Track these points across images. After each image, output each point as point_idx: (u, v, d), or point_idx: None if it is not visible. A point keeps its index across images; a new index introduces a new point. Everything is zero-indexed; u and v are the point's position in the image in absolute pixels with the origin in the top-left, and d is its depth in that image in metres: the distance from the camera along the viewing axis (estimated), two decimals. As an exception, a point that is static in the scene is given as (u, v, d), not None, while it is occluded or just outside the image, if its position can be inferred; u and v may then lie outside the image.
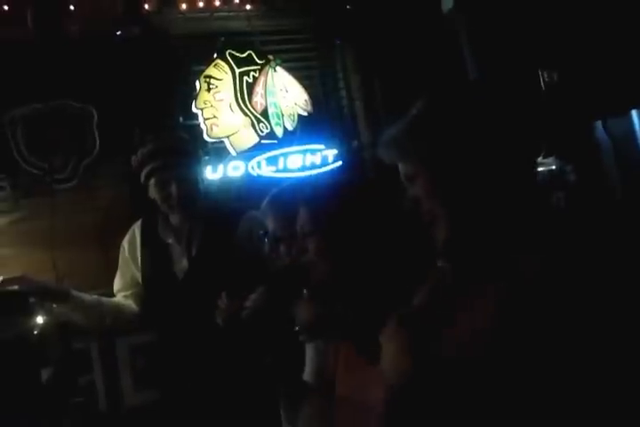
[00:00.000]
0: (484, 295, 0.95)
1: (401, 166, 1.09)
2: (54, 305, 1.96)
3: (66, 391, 1.89)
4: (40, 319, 1.89)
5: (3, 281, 1.88)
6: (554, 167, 3.12)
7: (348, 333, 1.23)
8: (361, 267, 1.22)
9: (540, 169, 3.17)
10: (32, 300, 1.90)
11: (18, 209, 2.60)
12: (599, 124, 2.99)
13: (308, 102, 3.14)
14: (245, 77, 3.00)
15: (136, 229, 2.19)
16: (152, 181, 2.06)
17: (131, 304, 2.07)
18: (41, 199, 2.60)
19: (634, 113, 2.95)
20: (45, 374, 1.80)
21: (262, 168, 2.91)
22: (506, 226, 1.00)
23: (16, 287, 1.87)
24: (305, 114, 3.12)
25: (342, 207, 1.28)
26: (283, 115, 3.05)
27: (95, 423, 1.73)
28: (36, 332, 1.85)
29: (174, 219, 2.12)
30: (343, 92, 3.37)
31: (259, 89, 3.02)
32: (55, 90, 2.74)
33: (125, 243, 2.18)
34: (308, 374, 1.40)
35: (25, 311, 1.87)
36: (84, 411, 1.86)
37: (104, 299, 2.07)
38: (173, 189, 2.02)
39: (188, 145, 2.23)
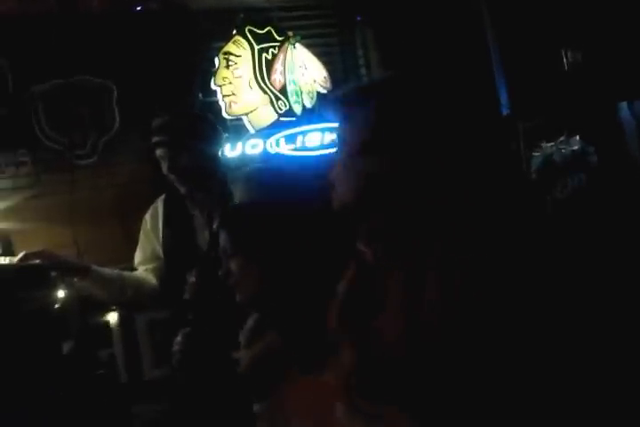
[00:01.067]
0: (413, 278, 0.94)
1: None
2: (75, 279, 1.99)
3: (86, 364, 1.92)
4: (61, 293, 1.92)
5: (25, 256, 1.91)
6: (576, 148, 3.09)
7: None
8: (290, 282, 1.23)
9: (562, 150, 3.15)
10: (53, 274, 1.92)
11: (39, 184, 2.63)
12: (624, 104, 2.94)
13: (328, 80, 3.12)
14: (264, 54, 2.98)
15: (159, 202, 2.21)
16: (157, 154, 2.12)
17: (151, 278, 2.09)
18: (61, 175, 2.63)
19: (660, 94, 2.89)
20: (66, 347, 1.84)
21: (281, 146, 2.90)
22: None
23: (37, 262, 1.90)
24: (324, 91, 3.10)
25: (262, 228, 1.29)
26: (302, 92, 3.02)
27: (115, 395, 1.77)
28: (57, 306, 1.88)
29: (183, 191, 2.13)
30: (363, 70, 3.34)
31: (278, 66, 3.00)
32: (75, 65, 2.74)
33: (148, 216, 2.20)
34: None
35: (46, 285, 1.89)
36: (105, 383, 1.90)
37: (124, 273, 2.10)
38: (165, 165, 2.07)
39: (192, 122, 2.23)
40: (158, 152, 2.11)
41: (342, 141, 1.02)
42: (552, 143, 3.10)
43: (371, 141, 0.95)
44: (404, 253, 0.95)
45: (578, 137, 3.08)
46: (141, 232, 2.17)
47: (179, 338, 1.79)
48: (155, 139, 2.11)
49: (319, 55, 3.12)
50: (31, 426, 1.49)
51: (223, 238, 1.34)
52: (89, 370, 1.91)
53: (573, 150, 3.05)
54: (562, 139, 3.07)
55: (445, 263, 0.88)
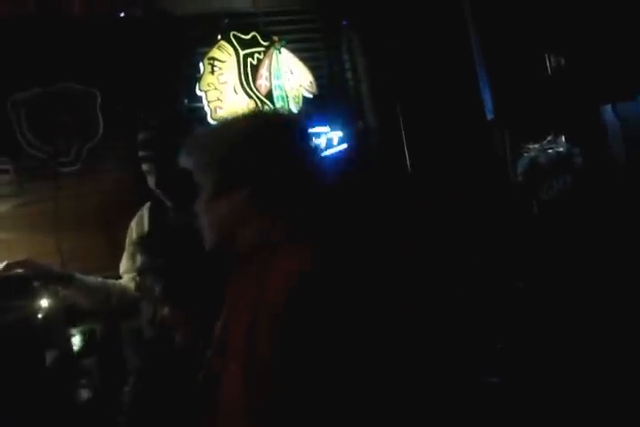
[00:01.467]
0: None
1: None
2: (59, 288, 1.97)
3: (70, 373, 1.91)
4: (45, 303, 1.90)
5: (7, 265, 1.89)
6: (562, 150, 3.10)
7: None
8: None
9: (548, 151, 3.17)
10: (36, 283, 1.90)
11: (22, 193, 2.60)
12: (608, 107, 2.96)
13: (314, 84, 3.12)
14: (250, 59, 2.97)
15: (145, 210, 2.20)
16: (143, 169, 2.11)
17: (131, 287, 2.07)
18: (45, 183, 2.60)
19: (643, 96, 2.91)
20: (50, 357, 1.82)
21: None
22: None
23: (20, 271, 1.88)
24: (310, 96, 3.09)
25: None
26: (288, 97, 3.02)
27: (99, 404, 1.76)
28: (40, 315, 1.86)
29: (169, 204, 2.12)
30: (349, 74, 3.34)
31: (263, 71, 2.99)
32: (58, 72, 2.72)
33: (133, 224, 2.19)
34: None
35: (29, 295, 1.87)
36: (89, 392, 1.89)
37: (109, 281, 2.08)
38: (151, 180, 2.05)
39: (176, 135, 2.22)
40: (144, 167, 2.08)
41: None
42: (538, 145, 3.12)
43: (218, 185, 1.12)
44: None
45: (563, 139, 3.10)
46: (127, 240, 2.15)
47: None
48: (141, 153, 2.09)
49: (305, 60, 3.11)
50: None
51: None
52: (73, 380, 1.89)
53: (559, 152, 3.06)
54: (547, 141, 3.08)
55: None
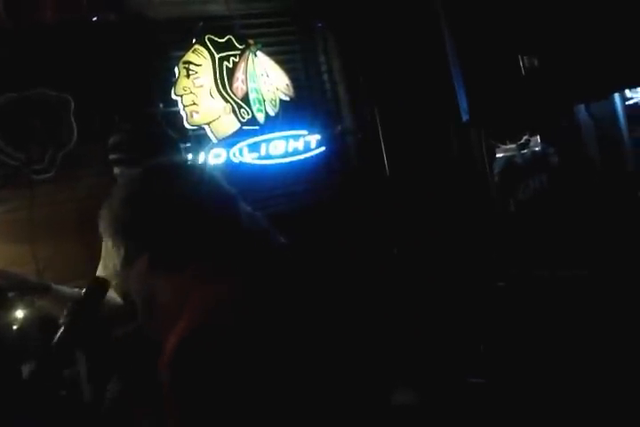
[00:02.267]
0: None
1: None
2: (35, 299, 1.94)
3: (50, 385, 1.87)
4: (20, 314, 1.87)
5: (-19, 276, 1.86)
6: (537, 149, 3.13)
7: None
8: None
9: (523, 151, 3.19)
10: (11, 294, 1.87)
11: (-4, 200, 2.56)
12: (582, 107, 2.99)
13: (290, 87, 3.11)
14: (225, 63, 2.96)
15: None
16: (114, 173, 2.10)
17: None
18: (19, 191, 2.56)
19: (616, 96, 2.95)
20: (27, 369, 1.79)
21: (244, 155, 2.89)
22: None
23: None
24: (287, 99, 3.09)
25: None
26: (264, 100, 3.01)
27: (80, 416, 1.73)
28: (15, 327, 1.83)
29: None
30: (325, 76, 3.34)
31: (239, 74, 2.98)
32: (30, 78, 2.67)
33: None
34: None
35: (3, 306, 1.84)
36: (69, 404, 1.85)
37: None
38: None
39: (150, 139, 2.21)
40: (115, 170, 2.08)
41: None
42: (513, 145, 3.14)
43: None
44: None
45: (538, 139, 3.13)
46: (103, 249, 2.13)
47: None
48: (111, 156, 2.10)
49: (281, 62, 3.11)
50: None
51: None
52: (52, 391, 1.86)
53: (534, 152, 3.09)
54: (523, 141, 3.11)
55: None
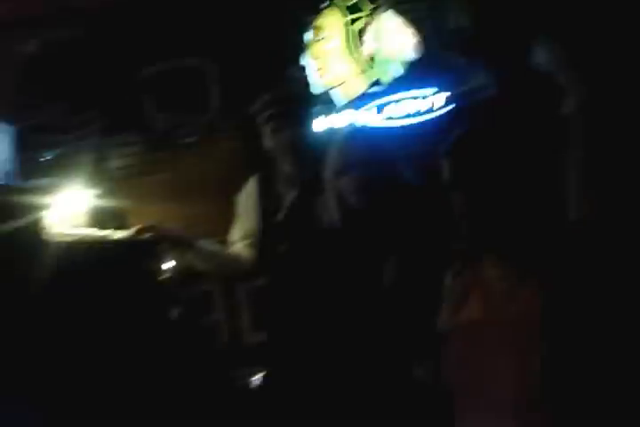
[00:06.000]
0: None
1: None
2: (181, 252, 2.17)
3: (193, 329, 2.13)
4: (169, 265, 2.11)
5: (137, 230, 2.11)
6: None
7: None
8: None
9: None
10: (162, 247, 2.11)
11: (147, 163, 2.86)
12: None
13: (418, 46, 3.09)
14: (354, 25, 3.00)
15: (253, 180, 2.33)
16: (267, 129, 2.19)
17: (249, 253, 2.24)
18: (167, 153, 2.84)
19: None
20: (174, 314, 2.04)
21: (371, 116, 2.94)
22: None
23: (149, 236, 2.09)
24: (415, 58, 3.07)
25: None
26: (392, 60, 3.03)
27: (218, 358, 1.95)
28: (165, 276, 2.08)
29: (287, 169, 2.23)
30: (455, 33, 3.26)
31: (368, 35, 3.01)
32: (177, 48, 2.91)
33: (243, 194, 2.34)
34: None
35: (156, 258, 2.09)
36: (207, 347, 2.10)
37: (224, 247, 2.26)
38: (285, 136, 2.14)
39: (302, 96, 2.32)
40: (272, 125, 2.16)
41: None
42: None
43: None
44: None
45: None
46: (238, 209, 2.31)
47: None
48: (269, 111, 2.18)
49: (409, 22, 3.08)
50: (141, 381, 1.70)
51: None
52: (194, 335, 2.12)
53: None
54: None
55: None
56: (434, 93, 3.05)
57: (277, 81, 2.89)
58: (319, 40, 2.94)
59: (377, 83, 2.96)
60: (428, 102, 3.03)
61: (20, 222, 1.75)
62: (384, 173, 1.83)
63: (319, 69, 2.91)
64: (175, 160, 2.83)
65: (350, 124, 2.91)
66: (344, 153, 1.89)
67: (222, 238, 2.34)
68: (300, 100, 2.26)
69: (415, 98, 3.01)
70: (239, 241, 2.27)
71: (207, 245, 2.22)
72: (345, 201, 1.83)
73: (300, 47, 2.92)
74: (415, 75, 3.04)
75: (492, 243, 1.20)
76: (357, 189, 1.81)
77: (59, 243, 1.79)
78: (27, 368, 1.68)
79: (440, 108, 3.05)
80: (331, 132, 2.87)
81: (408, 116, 2.98)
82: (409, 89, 3.00)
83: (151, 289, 2.01)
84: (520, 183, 1.22)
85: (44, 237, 1.79)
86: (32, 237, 1.73)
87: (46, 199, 1.88)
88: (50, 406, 1.66)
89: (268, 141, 2.20)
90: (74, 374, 1.69)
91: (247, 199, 2.29)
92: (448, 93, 3.07)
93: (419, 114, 3.00)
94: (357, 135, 2.87)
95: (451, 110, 3.07)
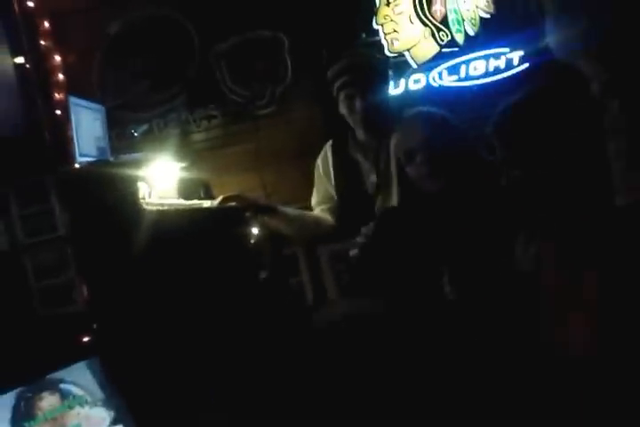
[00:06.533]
0: None
1: None
2: (265, 218, 2.28)
3: (279, 291, 2.24)
4: (255, 230, 2.23)
5: (223, 199, 2.23)
6: None
7: None
8: None
9: None
10: (247, 214, 2.23)
11: (228, 135, 2.98)
12: None
13: (491, 3, 3.04)
14: (424, -14, 2.98)
15: (327, 148, 2.40)
16: (341, 96, 2.24)
17: (328, 217, 2.33)
18: (246, 125, 2.95)
19: None
20: (262, 276, 2.16)
21: (444, 78, 2.94)
22: None
23: (233, 204, 2.21)
24: (487, 16, 3.03)
25: None
26: (463, 20, 3.00)
27: (301, 318, 2.05)
28: (252, 241, 2.19)
29: (360, 135, 2.28)
30: (529, -12, 3.18)
31: (438, -4, 2.99)
32: (249, 21, 2.98)
33: (319, 161, 2.41)
34: None
35: (242, 224, 2.21)
36: (295, 307, 2.21)
37: (305, 212, 2.36)
38: (358, 103, 2.17)
39: (377, 62, 2.35)
40: (348, 91, 2.19)
41: None
42: None
43: None
44: None
45: None
46: (315, 176, 2.39)
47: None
48: (342, 79, 2.20)
49: (480, -20, 3.03)
50: (236, 341, 1.83)
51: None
52: (282, 296, 2.23)
53: None
54: None
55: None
56: (508, 52, 3.01)
57: (350, 47, 2.93)
58: (389, 4, 2.94)
59: (450, 43, 2.95)
60: (502, 61, 3.00)
61: (119, 194, 1.88)
62: (456, 149, 1.82)
63: (390, 33, 2.92)
64: (254, 131, 2.93)
65: (426, 86, 2.92)
66: (414, 130, 1.89)
67: (302, 204, 2.44)
68: (373, 66, 2.28)
69: (489, 57, 2.98)
70: (318, 206, 2.36)
71: (288, 211, 2.32)
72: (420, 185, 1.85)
73: (371, 11, 2.93)
74: (488, 34, 3.00)
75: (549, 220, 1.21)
76: (429, 173, 1.81)
77: (154, 212, 1.92)
78: (127, 324, 1.82)
79: (514, 67, 3.02)
80: (406, 96, 2.89)
81: (483, 76, 2.96)
82: (482, 48, 2.98)
83: (240, 253, 2.12)
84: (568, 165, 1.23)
85: (141, 207, 1.92)
86: (131, 206, 1.86)
87: (139, 172, 2.00)
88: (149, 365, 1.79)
89: (343, 108, 2.24)
90: (171, 335, 1.82)
91: (323, 166, 2.36)
92: (521, 52, 3.02)
93: (493, 73, 2.97)
94: (432, 98, 2.90)
95: (525, 69, 3.02)
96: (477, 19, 3.01)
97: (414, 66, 2.94)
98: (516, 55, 3.02)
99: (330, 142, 2.39)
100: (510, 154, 1.44)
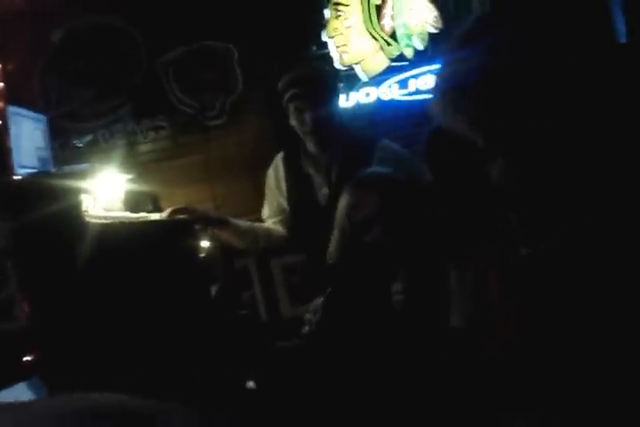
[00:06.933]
0: None
1: None
2: (215, 231, 2.23)
3: (232, 305, 2.19)
4: (205, 244, 2.17)
5: (171, 211, 2.17)
6: None
7: None
8: None
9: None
10: (197, 227, 2.17)
11: (177, 146, 2.92)
12: None
13: (439, 19, 3.09)
14: (373, 0, 3.01)
15: (279, 160, 2.36)
16: (290, 108, 2.21)
17: (279, 229, 2.29)
18: (196, 136, 2.90)
19: None
20: (213, 291, 2.10)
21: (394, 92, 2.97)
22: None
23: (182, 217, 2.15)
24: (436, 31, 3.08)
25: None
26: (412, 35, 3.04)
27: (257, 332, 2.02)
28: (202, 255, 2.13)
29: (311, 147, 2.26)
30: (476, 4, 3.25)
31: (387, 10, 3.03)
32: (199, 31, 2.94)
33: (271, 173, 2.37)
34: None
35: (191, 237, 2.15)
36: (248, 322, 2.16)
37: (256, 224, 2.31)
38: (307, 116, 2.15)
39: (326, 75, 2.33)
40: (296, 104, 2.15)
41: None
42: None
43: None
44: None
45: None
46: (266, 188, 2.35)
47: (315, 305, 1.82)
48: (291, 91, 2.16)
49: (428, -5, 3.08)
50: (185, 358, 1.77)
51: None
52: (234, 310, 2.18)
53: None
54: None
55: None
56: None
57: (300, 59, 2.92)
58: (338, 17, 2.95)
59: (400, 58, 2.98)
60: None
61: (61, 206, 1.81)
62: (413, 213, 1.78)
63: (340, 46, 2.93)
64: (204, 142, 2.89)
65: (376, 100, 2.94)
66: (369, 199, 1.83)
67: (253, 217, 2.40)
68: (323, 79, 2.26)
69: (437, 71, 3.02)
70: (269, 218, 2.32)
71: (239, 223, 2.27)
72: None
73: (321, 24, 2.93)
74: (437, 49, 3.05)
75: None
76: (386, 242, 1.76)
77: (98, 225, 1.85)
78: (71, 342, 1.74)
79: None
80: (357, 109, 2.90)
81: (432, 90, 3.00)
82: (431, 63, 3.02)
83: (189, 267, 2.06)
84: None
85: (84, 219, 1.85)
86: (74, 219, 1.79)
87: (83, 184, 1.93)
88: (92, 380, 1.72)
89: (293, 120, 2.22)
90: (118, 353, 1.75)
91: (275, 177, 2.33)
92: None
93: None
94: (383, 111, 2.93)
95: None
96: (426, 34, 3.06)
97: (364, 79, 2.96)
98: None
99: (281, 154, 2.36)
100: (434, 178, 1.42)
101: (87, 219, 1.85)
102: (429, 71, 3.01)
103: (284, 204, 2.30)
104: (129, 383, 1.71)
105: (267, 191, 2.35)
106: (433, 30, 3.07)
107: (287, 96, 2.18)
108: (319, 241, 2.12)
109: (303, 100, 2.14)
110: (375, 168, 1.94)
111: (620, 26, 2.76)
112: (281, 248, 2.23)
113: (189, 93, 2.96)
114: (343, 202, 1.85)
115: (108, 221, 1.93)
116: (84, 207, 1.90)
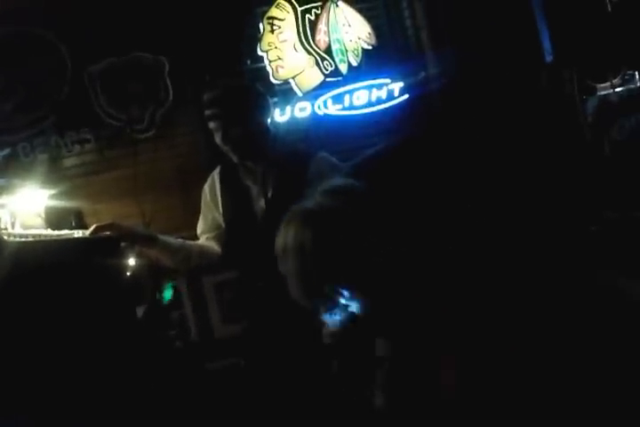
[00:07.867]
0: None
1: None
2: (143, 249, 2.12)
3: (160, 325, 2.09)
4: (132, 262, 2.07)
5: (95, 228, 2.06)
6: (633, 87, 2.99)
7: None
8: None
9: (618, 89, 3.05)
10: (123, 244, 2.06)
11: (103, 160, 2.80)
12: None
13: (372, 35, 3.11)
14: (307, 15, 3.00)
15: (215, 174, 2.30)
16: (210, 126, 2.17)
17: (213, 245, 2.21)
18: (124, 150, 2.78)
19: None
20: (140, 311, 2.00)
21: (329, 107, 2.95)
22: None
23: (107, 233, 2.05)
24: (369, 47, 3.10)
25: None
26: (347, 50, 3.04)
27: (187, 353, 1.93)
28: (129, 273, 2.03)
29: (237, 161, 2.21)
30: (408, 22, 3.30)
31: (321, 26, 3.02)
32: (129, 43, 2.85)
33: (206, 187, 2.30)
34: None
35: (118, 255, 2.04)
36: (178, 342, 2.07)
37: (187, 242, 2.23)
38: (226, 135, 2.11)
39: (246, 92, 2.28)
40: (211, 124, 2.15)
41: None
42: (608, 83, 3.01)
43: None
44: None
45: (637, 76, 2.98)
46: (202, 203, 2.28)
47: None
48: (207, 112, 2.15)
49: (362, 11, 3.11)
50: (109, 384, 1.66)
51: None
52: (163, 331, 2.08)
53: (630, 90, 2.95)
54: (618, 79, 2.98)
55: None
56: (389, 83, 3.08)
57: (234, 73, 2.87)
58: (273, 31, 2.93)
59: (334, 73, 2.97)
60: (384, 92, 3.06)
61: (-26, 223, 1.68)
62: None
63: (275, 60, 2.89)
64: (132, 156, 2.77)
65: (311, 114, 2.91)
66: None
67: (185, 233, 2.31)
68: (245, 97, 2.22)
69: (371, 88, 3.03)
70: (204, 234, 2.24)
71: (169, 240, 2.18)
72: None
73: (256, 38, 2.90)
74: (370, 65, 3.06)
75: None
76: None
77: (15, 243, 1.72)
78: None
79: (395, 98, 3.09)
80: (292, 123, 2.87)
81: (366, 105, 3.01)
82: (365, 79, 3.03)
83: (115, 287, 1.95)
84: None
85: (1, 237, 1.72)
86: (-13, 236, 1.66)
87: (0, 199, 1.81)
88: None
89: (215, 138, 2.17)
90: (33, 375, 1.63)
91: (210, 193, 2.26)
92: (402, 83, 3.10)
93: (376, 103, 3.03)
94: (317, 126, 2.90)
95: (406, 100, 3.11)
96: (360, 50, 3.07)
97: (299, 94, 2.93)
98: (397, 86, 3.10)
99: (217, 169, 2.29)
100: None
101: (3, 237, 1.72)
102: (363, 87, 3.02)
103: (219, 219, 2.23)
104: (50, 411, 1.60)
105: (202, 207, 2.28)
106: (367, 46, 3.08)
107: (207, 114, 2.16)
108: (254, 257, 2.07)
109: (219, 120, 2.10)
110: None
111: (546, 43, 2.86)
112: (213, 265, 2.14)
113: (117, 106, 2.85)
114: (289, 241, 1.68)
115: (27, 240, 1.81)
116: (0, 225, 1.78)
